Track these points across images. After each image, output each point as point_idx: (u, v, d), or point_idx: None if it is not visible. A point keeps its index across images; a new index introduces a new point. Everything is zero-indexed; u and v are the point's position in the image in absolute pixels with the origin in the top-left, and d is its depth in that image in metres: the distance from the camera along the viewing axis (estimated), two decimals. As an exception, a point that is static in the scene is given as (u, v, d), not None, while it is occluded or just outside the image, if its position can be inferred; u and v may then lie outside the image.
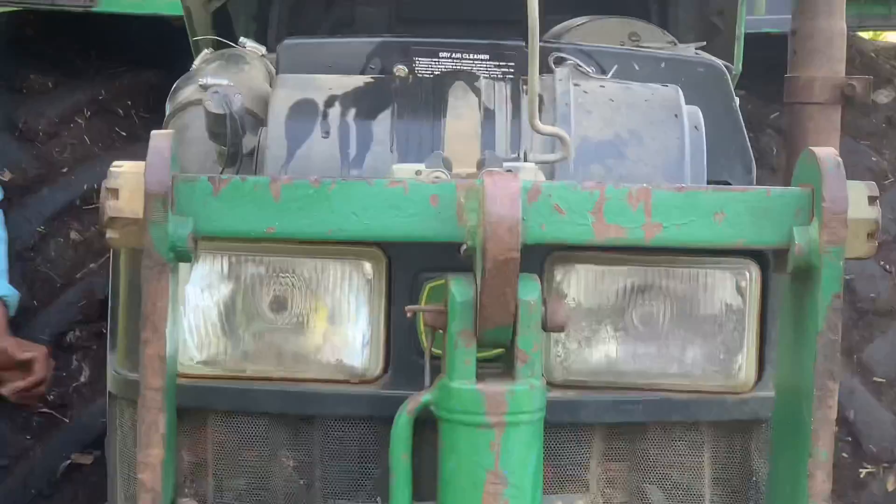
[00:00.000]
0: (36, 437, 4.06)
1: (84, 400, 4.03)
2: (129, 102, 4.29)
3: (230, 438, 2.31)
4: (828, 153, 1.95)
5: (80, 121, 4.19)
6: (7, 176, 4.13)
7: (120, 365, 2.45)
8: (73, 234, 4.10)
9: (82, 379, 4.08)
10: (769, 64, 3.27)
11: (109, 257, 2.60)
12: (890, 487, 3.97)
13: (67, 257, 4.11)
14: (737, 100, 2.87)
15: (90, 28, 4.33)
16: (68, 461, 4.03)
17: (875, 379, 3.98)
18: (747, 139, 2.80)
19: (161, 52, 4.20)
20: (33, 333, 4.02)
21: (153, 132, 1.96)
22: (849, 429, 3.93)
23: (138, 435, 1.99)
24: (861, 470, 3.95)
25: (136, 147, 3.86)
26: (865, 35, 4.45)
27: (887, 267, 4.03)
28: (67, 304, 4.07)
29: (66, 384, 4.06)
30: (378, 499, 2.21)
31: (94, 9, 4.08)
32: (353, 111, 2.56)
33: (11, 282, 3.94)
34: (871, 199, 1.99)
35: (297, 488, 2.32)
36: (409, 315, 2.17)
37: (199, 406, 2.26)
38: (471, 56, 2.74)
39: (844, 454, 3.95)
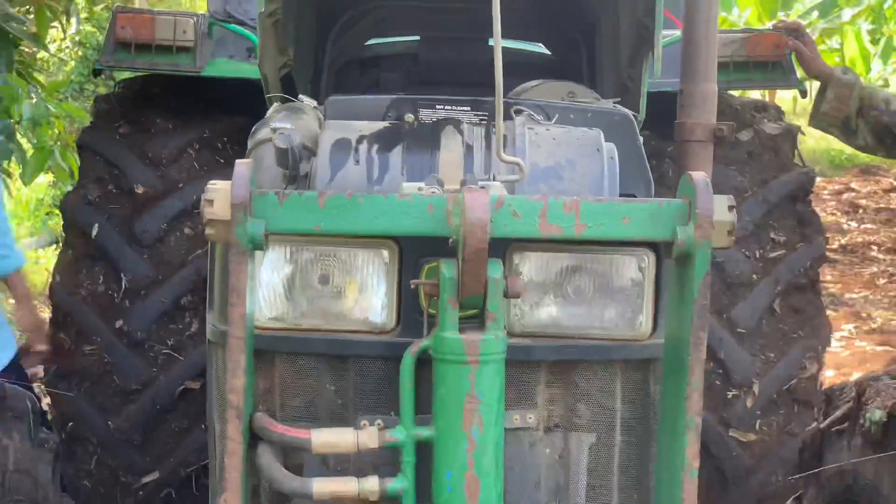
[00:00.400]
0: (160, 369, 4.32)
1: (194, 343, 4.30)
2: (225, 139, 4.56)
3: (291, 372, 2.43)
4: (700, 176, 2.14)
5: (191, 152, 4.49)
6: (141, 189, 4.39)
7: (216, 321, 2.57)
8: (187, 230, 4.40)
9: (192, 329, 4.34)
10: (665, 113, 3.34)
11: (210, 248, 2.69)
12: (749, 404, 4.32)
13: (182, 246, 4.37)
14: (641, 139, 3.01)
15: (199, 86, 4.56)
16: (182, 386, 4.30)
17: (738, 330, 4.33)
18: (648, 167, 2.93)
19: (246, 104, 4.21)
20: (159, 300, 4.31)
21: (237, 161, 2.13)
22: (720, 365, 4.27)
23: (228, 369, 2.17)
24: (728, 392, 4.32)
25: (228, 171, 4.12)
26: (733, 93, 4.90)
27: (746, 253, 4.41)
28: (182, 279, 4.33)
29: (182, 333, 4.36)
30: (392, 413, 2.30)
31: (201, 73, 4.37)
32: (375, 146, 2.68)
33: None
34: (730, 208, 2.16)
35: (336, 406, 2.42)
36: (413, 286, 2.32)
37: (269, 349, 2.39)
38: (457, 108, 2.84)
39: (717, 382, 4.30)
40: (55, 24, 6.65)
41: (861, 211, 15.80)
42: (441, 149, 2.55)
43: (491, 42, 2.22)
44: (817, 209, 4.66)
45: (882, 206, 15.68)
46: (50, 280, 4.61)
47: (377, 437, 2.16)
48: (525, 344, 2.32)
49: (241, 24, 4.47)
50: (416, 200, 2.16)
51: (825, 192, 15.98)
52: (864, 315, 10.06)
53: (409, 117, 2.79)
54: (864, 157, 19.91)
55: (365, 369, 2.35)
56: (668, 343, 2.28)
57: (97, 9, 7.80)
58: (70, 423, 4.35)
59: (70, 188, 4.72)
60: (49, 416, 4.31)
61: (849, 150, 20.68)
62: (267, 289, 2.38)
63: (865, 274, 11.95)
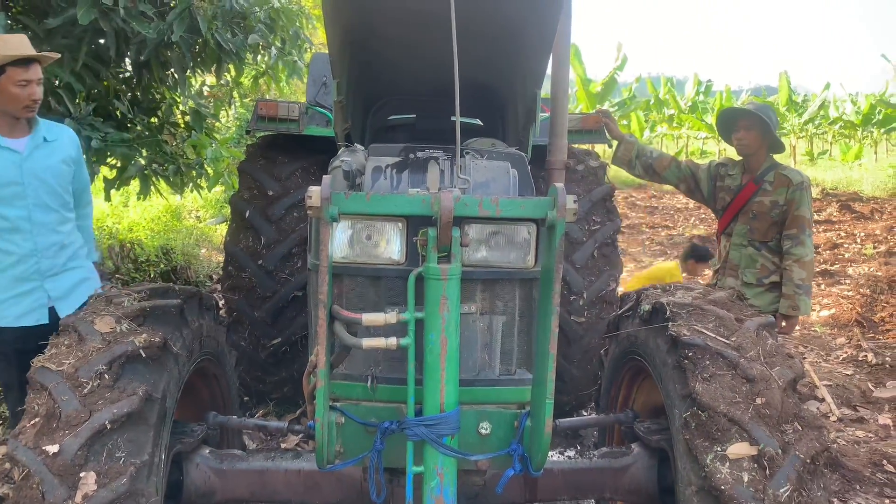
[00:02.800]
0: (281, 285, 4.13)
1: (299, 272, 4.12)
2: (314, 167, 4.35)
3: (351, 284, 2.28)
4: (560, 185, 2.05)
5: (297, 173, 4.31)
6: (271, 192, 4.22)
7: (313, 257, 2.46)
8: (294, 214, 4.17)
9: (298, 265, 4.14)
10: (540, 155, 3.34)
11: (309, 221, 2.56)
12: (581, 303, 4.16)
13: (292, 222, 4.15)
14: (528, 167, 2.80)
15: (301, 140, 4.32)
16: (293, 294, 4.12)
17: (576, 266, 4.20)
18: (532, 182, 2.75)
19: (325, 149, 4.03)
20: (280, 250, 4.14)
21: (324, 176, 2.05)
22: (566, 283, 4.15)
23: (318, 283, 2.06)
24: (571, 297, 4.17)
25: (318, 182, 4.09)
26: (577, 145, 4.61)
27: (580, 227, 4.27)
28: (292, 239, 4.12)
29: (293, 267, 4.16)
30: (403, 305, 2.16)
31: (304, 132, 4.18)
32: (394, 170, 2.54)
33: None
34: (574, 202, 2.06)
35: (374, 302, 2.28)
36: (414, 241, 2.21)
37: (340, 272, 2.25)
38: (436, 151, 2.63)
39: (565, 291, 4.14)
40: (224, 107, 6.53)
41: (637, 206, 15.91)
42: (428, 171, 2.48)
43: (453, 118, 2.16)
44: (615, 204, 4.65)
45: (648, 205, 15.82)
46: (224, 239, 4.50)
47: (395, 317, 2.09)
48: (470, 270, 2.24)
49: (323, 107, 4.43)
50: (416, 197, 2.07)
51: (619, 196, 16.11)
52: (639, 260, 10.13)
53: (412, 154, 2.63)
54: (639, 180, 20.06)
55: (389, 283, 2.27)
56: (543, 271, 2.20)
57: (245, 100, 7.69)
58: (234, 313, 4.29)
59: (234, 193, 4.57)
60: (223, 311, 4.17)
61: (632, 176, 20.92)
62: (339, 241, 2.27)
63: (640, 238, 12.05)
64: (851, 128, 27.80)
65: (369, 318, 2.09)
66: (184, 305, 2.39)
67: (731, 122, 4.21)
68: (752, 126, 4.07)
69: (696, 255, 6.25)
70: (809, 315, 4.29)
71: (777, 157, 4.20)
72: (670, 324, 2.33)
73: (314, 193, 2.01)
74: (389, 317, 2.08)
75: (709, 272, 5.57)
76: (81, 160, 3.26)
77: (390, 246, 2.31)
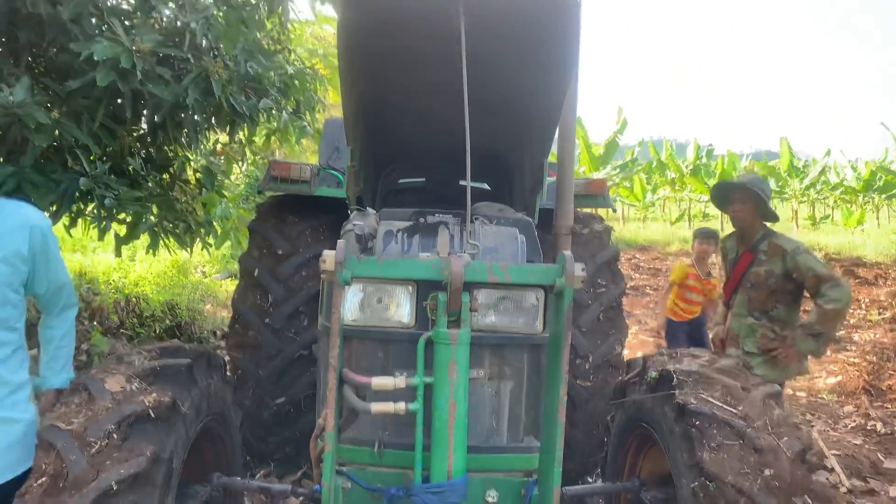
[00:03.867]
0: (287, 344, 4.12)
1: (305, 331, 4.05)
2: (324, 227, 4.33)
3: (361, 347, 2.32)
4: (569, 253, 2.08)
5: (307, 233, 4.30)
6: (280, 251, 4.19)
7: (324, 320, 2.49)
8: (303, 273, 4.15)
9: (304, 324, 4.10)
10: (548, 216, 3.41)
11: (322, 284, 2.62)
12: (587, 367, 4.13)
13: (300, 281, 4.15)
14: (535, 232, 2.87)
15: (312, 200, 4.30)
16: (298, 353, 4.08)
17: (582, 329, 4.15)
18: (539, 246, 2.79)
19: (335, 210, 4.17)
20: (288, 308, 4.11)
21: (338, 241, 2.07)
22: (573, 346, 4.01)
23: (329, 346, 2.07)
24: (577, 360, 4.13)
25: (327, 243, 4.15)
26: (581, 209, 4.64)
27: (586, 291, 4.18)
28: (299, 298, 4.10)
29: (299, 326, 4.11)
30: (412, 370, 2.15)
31: (314, 193, 4.20)
32: (405, 234, 2.56)
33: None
34: (583, 270, 2.06)
35: (383, 365, 2.29)
36: (424, 305, 2.22)
37: (350, 335, 2.26)
38: (446, 215, 2.68)
39: (571, 355, 4.18)
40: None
41: (641, 268, 15.93)
42: (438, 236, 2.53)
43: (462, 182, 2.22)
44: (620, 267, 4.66)
45: (652, 266, 15.84)
46: (232, 297, 4.50)
47: (404, 381, 2.10)
48: (479, 334, 2.25)
49: (335, 170, 4.49)
50: (427, 262, 2.10)
51: (624, 257, 16.16)
52: (642, 322, 10.11)
53: (423, 219, 2.70)
54: (642, 241, 20.07)
55: (398, 346, 2.28)
56: (551, 337, 2.21)
57: (257, 158, 7.79)
58: (239, 371, 4.28)
59: (243, 252, 4.57)
60: (228, 369, 4.13)
61: (638, 237, 20.81)
62: (350, 304, 2.31)
63: (644, 300, 12.04)
64: (853, 193, 28.04)
65: (378, 382, 2.09)
66: (193, 365, 2.41)
67: (725, 196, 4.28)
68: (746, 199, 4.15)
69: (697, 236, 6.31)
70: (812, 364, 4.21)
71: (782, 221, 4.30)
72: (677, 392, 2.34)
73: (328, 257, 2.02)
74: (398, 381, 2.09)
75: (715, 261, 5.76)
76: (47, 254, 2.35)
77: (400, 309, 2.31)
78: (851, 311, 11.35)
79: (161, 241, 4.85)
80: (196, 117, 4.47)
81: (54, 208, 4.32)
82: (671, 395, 2.36)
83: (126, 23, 4.06)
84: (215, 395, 2.64)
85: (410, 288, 2.28)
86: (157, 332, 6.61)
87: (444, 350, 2.08)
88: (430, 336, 2.12)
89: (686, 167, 29.36)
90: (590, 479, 4.47)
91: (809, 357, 4.07)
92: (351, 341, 2.33)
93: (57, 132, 3.88)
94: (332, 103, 7.99)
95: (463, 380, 2.09)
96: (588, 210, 4.91)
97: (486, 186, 4.09)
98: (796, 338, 3.97)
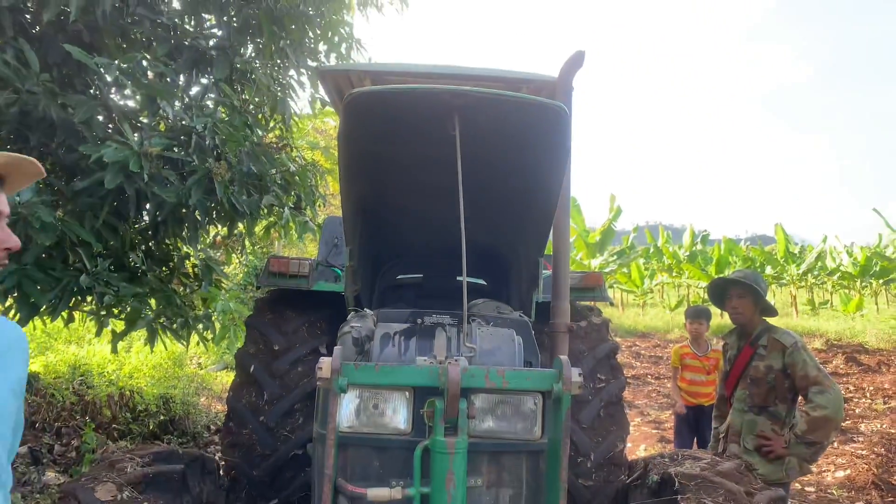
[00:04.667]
0: (282, 443, 4.02)
1: (300, 429, 3.99)
2: (321, 321, 4.31)
3: (356, 454, 2.29)
4: (565, 358, 2.11)
5: (304, 329, 4.29)
6: (276, 347, 4.19)
7: (318, 426, 2.48)
8: (299, 368, 4.11)
9: (300, 422, 4.02)
10: (545, 310, 3.31)
11: (317, 390, 2.56)
12: (588, 465, 3.83)
13: (295, 378, 4.10)
14: (532, 331, 2.92)
15: (310, 295, 4.34)
16: (293, 452, 3.98)
17: (583, 426, 4.04)
18: (537, 347, 2.82)
19: (332, 304, 4.13)
20: (282, 406, 4.06)
21: (335, 348, 2.10)
22: (573, 444, 3.92)
23: (324, 455, 2.06)
24: (578, 459, 3.92)
25: (323, 338, 4.25)
26: (579, 303, 4.64)
27: (586, 386, 3.96)
28: (294, 396, 4.05)
29: (294, 424, 4.06)
30: (408, 478, 2.16)
31: (311, 288, 4.24)
32: (402, 338, 2.58)
33: None
34: (580, 375, 2.10)
35: (379, 473, 2.26)
36: (421, 412, 2.20)
37: (346, 442, 2.26)
38: (443, 316, 2.70)
39: (572, 453, 3.91)
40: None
41: (641, 356, 15.82)
42: (435, 339, 2.54)
43: (459, 278, 2.25)
44: (619, 356, 4.64)
45: (653, 355, 15.74)
46: (227, 395, 4.42)
47: (401, 492, 2.10)
48: (476, 441, 2.25)
49: (333, 266, 4.53)
50: (424, 368, 2.13)
51: (623, 345, 16.07)
52: (645, 412, 9.95)
53: (419, 320, 2.72)
54: (642, 328, 20.02)
55: (394, 453, 2.26)
56: (550, 441, 2.23)
57: (255, 248, 7.86)
58: (233, 471, 4.15)
59: (240, 345, 4.60)
60: (221, 470, 4.02)
61: (637, 324, 20.75)
62: (345, 411, 2.30)
63: (645, 390, 11.89)
64: (850, 279, 28.16)
65: (374, 493, 2.08)
66: (186, 471, 2.39)
67: (723, 292, 4.34)
68: (744, 294, 4.20)
69: (688, 316, 6.37)
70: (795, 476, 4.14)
71: (781, 306, 4.32)
72: (679, 497, 2.32)
73: (325, 365, 2.07)
74: (395, 492, 2.08)
75: (713, 342, 5.89)
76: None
77: (397, 416, 2.30)
78: (856, 399, 11.20)
79: (158, 337, 4.89)
80: (197, 215, 4.58)
81: (53, 305, 4.35)
82: (674, 500, 2.33)
83: (133, 122, 4.22)
84: (209, 501, 2.59)
85: (407, 394, 2.28)
86: (151, 427, 6.48)
87: (442, 460, 2.06)
88: (427, 445, 2.10)
89: (683, 253, 29.62)
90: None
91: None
92: (346, 448, 2.30)
93: (60, 230, 3.96)
94: (332, 193, 8.12)
95: (461, 490, 2.07)
96: (586, 303, 4.91)
97: (482, 282, 4.11)
98: (791, 441, 3.92)
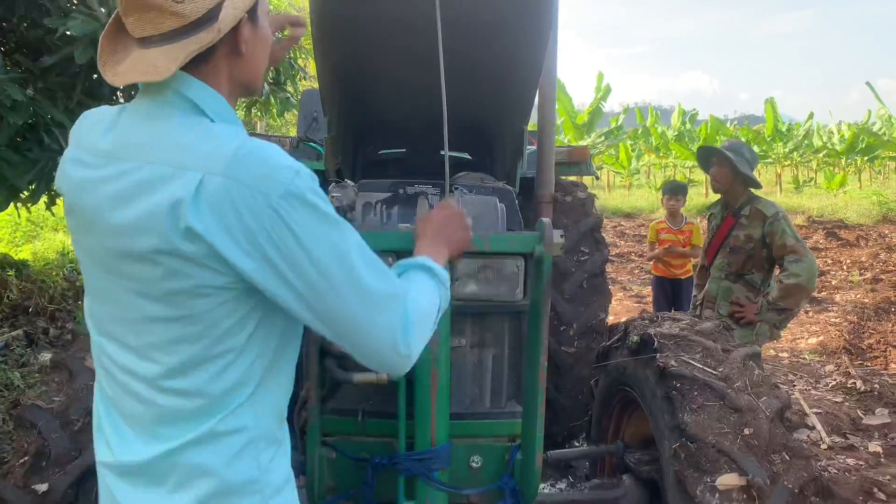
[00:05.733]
0: None
1: None
2: None
3: None
4: (547, 220, 2.09)
5: None
6: None
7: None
8: None
9: None
10: (528, 187, 3.10)
11: None
12: (571, 333, 4.13)
13: None
14: (516, 201, 2.87)
15: None
16: None
17: (565, 296, 4.15)
18: (520, 215, 2.79)
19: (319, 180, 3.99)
20: None
21: None
22: (556, 314, 4.09)
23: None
24: (560, 327, 4.14)
25: None
26: (564, 177, 4.60)
27: (569, 258, 4.20)
28: None
29: None
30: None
31: None
32: (384, 206, 2.56)
33: None
34: (561, 236, 2.04)
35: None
36: None
37: None
38: (425, 186, 2.64)
39: (554, 322, 4.10)
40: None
41: (626, 235, 15.99)
42: (417, 206, 2.51)
43: (442, 152, 2.19)
44: (604, 234, 4.65)
45: (637, 234, 15.90)
46: None
47: None
48: (460, 304, 2.22)
49: (313, 142, 4.42)
50: (406, 233, 2.06)
51: (608, 225, 16.20)
52: (628, 288, 10.15)
53: (402, 190, 2.66)
54: (627, 208, 20.11)
55: None
56: (532, 304, 2.19)
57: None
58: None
59: None
60: None
61: (623, 204, 20.88)
62: None
63: (629, 267, 12.09)
64: (835, 156, 28.17)
65: (360, 377, 2.01)
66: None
67: (706, 160, 4.35)
68: (722, 163, 4.20)
69: (665, 192, 6.43)
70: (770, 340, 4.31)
71: (766, 185, 4.34)
72: (658, 355, 2.36)
73: None
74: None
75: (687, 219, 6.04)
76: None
77: None
78: (833, 272, 11.46)
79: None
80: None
81: (32, 187, 4.27)
82: (652, 358, 2.38)
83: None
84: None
85: (390, 259, 2.20)
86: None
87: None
88: None
89: (671, 133, 29.36)
90: (576, 444, 4.47)
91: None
92: None
93: (32, 110, 3.83)
94: (313, 74, 7.86)
95: (444, 349, 2.08)
96: (571, 178, 4.89)
97: (466, 156, 4.04)
98: (763, 307, 4.03)
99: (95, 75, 4.11)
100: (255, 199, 1.10)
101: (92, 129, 1.27)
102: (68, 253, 7.13)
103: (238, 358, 1.20)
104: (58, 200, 4.83)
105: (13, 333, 5.10)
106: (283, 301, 1.16)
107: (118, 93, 4.64)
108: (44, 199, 4.70)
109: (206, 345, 1.17)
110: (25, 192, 4.44)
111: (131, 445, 1.25)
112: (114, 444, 1.28)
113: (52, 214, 5.49)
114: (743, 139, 27.66)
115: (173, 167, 1.13)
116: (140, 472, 1.23)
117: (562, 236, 2.08)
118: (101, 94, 4.20)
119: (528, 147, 3.42)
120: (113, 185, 1.18)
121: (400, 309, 1.23)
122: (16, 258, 6.82)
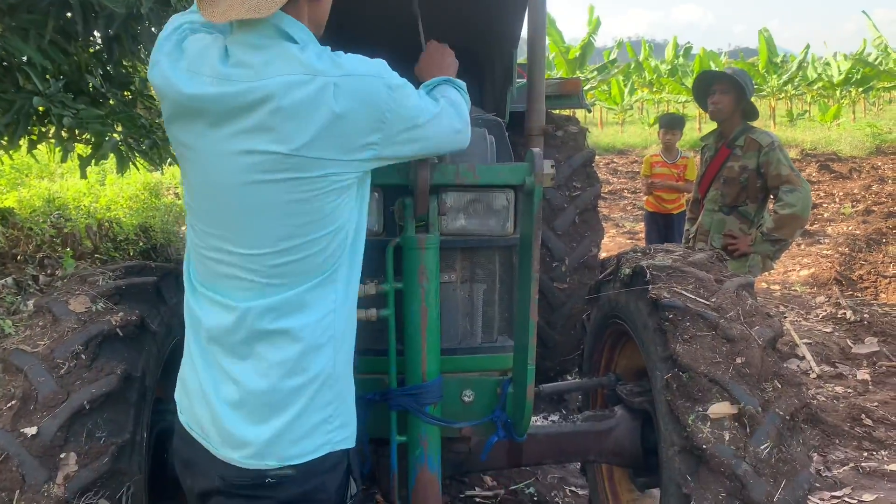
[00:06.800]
0: None
1: None
2: None
3: None
4: (537, 150, 2.03)
5: None
6: None
7: None
8: None
9: None
10: (518, 121, 2.91)
11: None
12: (563, 269, 4.13)
13: None
14: (506, 133, 2.77)
15: None
16: None
17: (557, 232, 4.15)
18: (510, 147, 2.70)
19: None
20: None
21: None
22: (548, 250, 4.12)
23: None
24: (553, 263, 4.13)
25: None
26: (556, 111, 4.61)
27: (561, 193, 4.18)
28: None
29: None
30: (382, 276, 2.10)
31: None
32: None
33: None
34: (552, 167, 2.01)
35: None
36: (391, 210, 2.13)
37: None
38: None
39: (547, 258, 4.14)
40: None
41: (618, 172, 15.91)
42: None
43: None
44: (596, 171, 4.61)
45: (630, 171, 15.82)
46: None
47: (374, 288, 2.05)
48: (449, 238, 2.20)
49: None
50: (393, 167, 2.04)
51: (601, 162, 16.10)
52: (620, 225, 10.15)
53: None
54: (620, 145, 19.96)
55: (367, 253, 2.21)
56: (522, 237, 2.16)
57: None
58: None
59: None
60: None
61: (616, 140, 20.70)
62: None
63: (621, 204, 12.06)
64: (830, 88, 27.84)
65: None
66: (160, 282, 2.33)
67: (706, 87, 4.18)
68: (727, 90, 4.07)
69: (662, 125, 6.39)
70: (763, 271, 4.31)
71: (759, 118, 4.24)
72: (650, 286, 2.32)
73: None
74: (368, 288, 2.04)
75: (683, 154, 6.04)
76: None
77: (369, 216, 2.25)
78: (825, 204, 11.46)
79: (129, 161, 4.73)
80: (153, 29, 4.23)
81: (10, 131, 4.16)
82: (644, 290, 2.35)
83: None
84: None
85: (377, 194, 2.20)
86: (132, 255, 6.46)
87: (413, 255, 2.03)
88: (399, 242, 2.07)
89: (664, 68, 28.91)
90: (569, 378, 4.54)
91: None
92: None
93: (2, 49, 3.68)
94: None
95: (434, 284, 2.05)
96: (563, 112, 4.81)
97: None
98: (757, 238, 4.00)
99: (69, 13, 3.98)
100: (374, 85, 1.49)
101: (203, 54, 1.47)
102: (54, 199, 7.04)
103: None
104: (41, 147, 4.72)
105: (2, 281, 5.06)
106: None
107: (93, 31, 4.50)
108: (23, 142, 4.59)
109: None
110: (5, 139, 4.33)
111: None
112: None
113: (37, 161, 5.36)
114: (737, 72, 27.29)
115: (303, 74, 1.40)
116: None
117: (552, 167, 2.04)
118: (75, 32, 4.05)
119: (518, 80, 3.36)
120: (239, 99, 1.41)
121: (446, 110, 1.72)
122: (1, 206, 6.73)
